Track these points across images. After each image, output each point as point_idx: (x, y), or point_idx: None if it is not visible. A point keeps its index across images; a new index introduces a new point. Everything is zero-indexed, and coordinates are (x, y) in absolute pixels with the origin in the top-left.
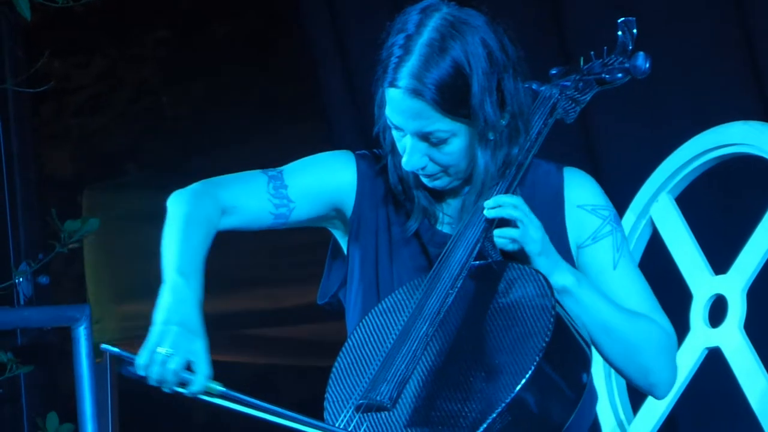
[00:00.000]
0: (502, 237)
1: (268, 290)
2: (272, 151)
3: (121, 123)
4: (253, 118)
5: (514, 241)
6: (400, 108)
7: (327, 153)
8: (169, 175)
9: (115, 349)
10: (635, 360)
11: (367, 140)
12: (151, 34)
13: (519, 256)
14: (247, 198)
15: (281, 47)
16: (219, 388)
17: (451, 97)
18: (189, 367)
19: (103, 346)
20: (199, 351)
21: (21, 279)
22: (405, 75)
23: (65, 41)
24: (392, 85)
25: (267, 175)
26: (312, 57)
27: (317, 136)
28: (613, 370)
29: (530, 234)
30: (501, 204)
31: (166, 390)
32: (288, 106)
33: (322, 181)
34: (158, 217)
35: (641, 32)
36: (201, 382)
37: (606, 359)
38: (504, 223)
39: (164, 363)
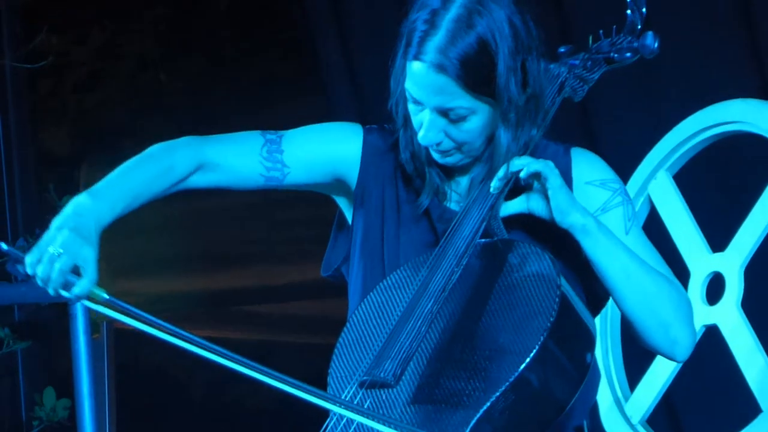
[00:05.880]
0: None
1: (264, 266)
2: (272, 127)
3: (119, 99)
4: (252, 94)
5: (537, 173)
6: (423, 82)
7: (335, 123)
8: None
9: (5, 246)
10: (656, 311)
11: (365, 115)
12: (150, 9)
13: (539, 190)
14: (235, 158)
15: (281, 22)
16: (104, 295)
17: (475, 74)
18: (77, 272)
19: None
20: (88, 256)
21: None
22: (431, 49)
23: (63, 17)
24: (417, 58)
25: (264, 138)
26: (310, 32)
27: (317, 111)
28: (610, 347)
29: (550, 167)
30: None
31: (51, 292)
32: (288, 81)
33: (322, 149)
34: None
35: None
36: (86, 285)
37: (625, 312)
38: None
39: (52, 261)
